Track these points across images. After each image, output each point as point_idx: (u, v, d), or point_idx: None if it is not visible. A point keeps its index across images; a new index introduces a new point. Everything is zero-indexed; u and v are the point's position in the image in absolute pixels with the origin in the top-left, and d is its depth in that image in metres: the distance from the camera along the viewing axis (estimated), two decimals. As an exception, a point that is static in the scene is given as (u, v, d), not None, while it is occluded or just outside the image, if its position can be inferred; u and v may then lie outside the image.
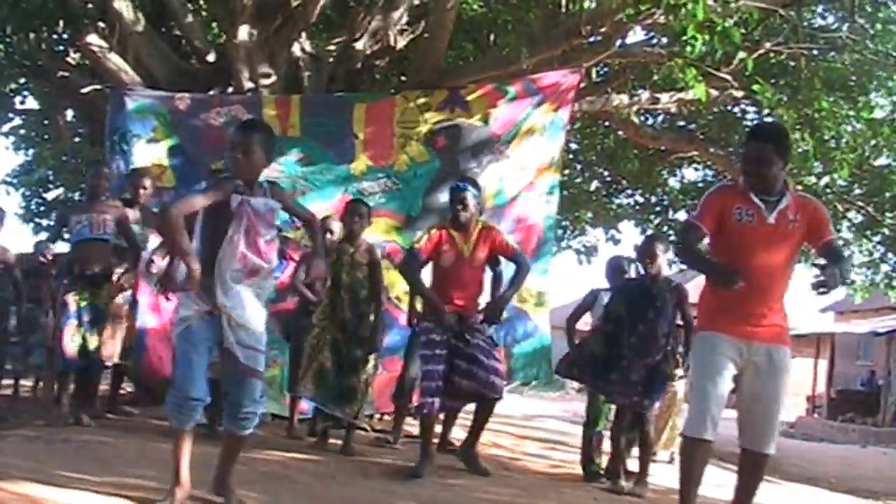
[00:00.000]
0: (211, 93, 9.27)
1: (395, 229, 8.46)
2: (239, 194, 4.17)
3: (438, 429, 6.60)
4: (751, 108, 12.87)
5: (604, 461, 6.53)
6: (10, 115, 14.17)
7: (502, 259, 6.22)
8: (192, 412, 4.20)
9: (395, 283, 7.78)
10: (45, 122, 14.36)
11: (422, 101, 8.70)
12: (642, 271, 6.19)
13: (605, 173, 15.72)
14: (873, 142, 10.70)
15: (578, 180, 15.70)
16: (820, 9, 12.19)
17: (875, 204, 12.30)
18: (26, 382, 9.70)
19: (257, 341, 4.25)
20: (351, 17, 10.22)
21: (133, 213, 7.00)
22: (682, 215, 14.60)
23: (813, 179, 11.02)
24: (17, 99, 13.86)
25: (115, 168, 8.03)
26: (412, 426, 7.97)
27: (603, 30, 8.97)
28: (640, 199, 16.00)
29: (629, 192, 16.05)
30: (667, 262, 6.20)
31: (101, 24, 9.22)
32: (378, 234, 7.99)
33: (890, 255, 13.60)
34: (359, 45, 9.91)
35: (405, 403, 7.20)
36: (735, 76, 9.95)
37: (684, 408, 8.42)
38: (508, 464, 7.00)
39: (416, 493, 5.24)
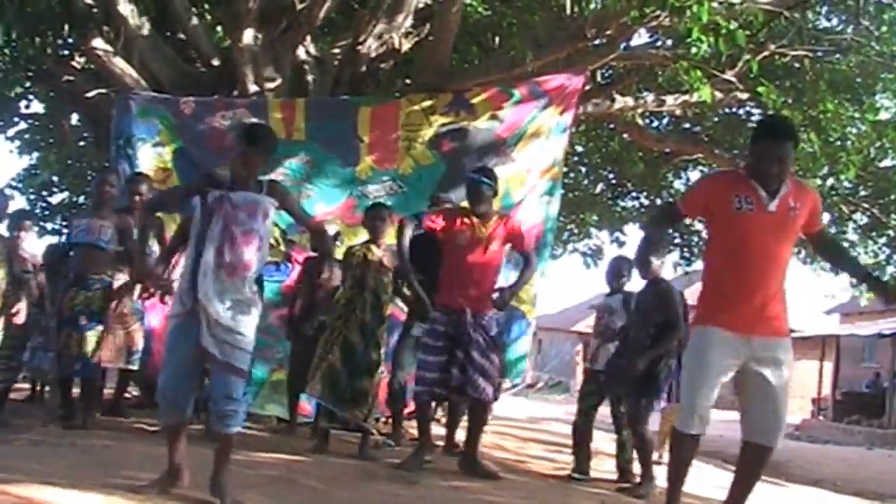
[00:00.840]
0: (216, 96, 9.27)
1: (399, 232, 8.45)
2: (218, 189, 4.20)
3: (440, 430, 6.60)
4: (756, 110, 12.84)
5: (603, 462, 6.54)
6: (15, 119, 14.19)
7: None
8: (171, 409, 4.26)
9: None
10: (50, 126, 14.37)
11: (427, 104, 8.68)
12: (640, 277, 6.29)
13: (611, 176, 15.72)
14: (878, 143, 10.69)
15: (584, 183, 15.70)
16: (825, 11, 12.19)
17: (880, 205, 12.30)
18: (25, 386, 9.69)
19: (237, 339, 4.23)
20: (356, 21, 10.22)
21: (133, 221, 6.98)
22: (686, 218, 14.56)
23: (819, 181, 11.00)
24: (22, 103, 13.86)
25: (121, 172, 8.04)
26: (414, 429, 7.98)
27: (608, 32, 8.98)
28: (646, 202, 16.00)
29: (634, 194, 16.05)
30: (660, 267, 6.21)
31: (106, 29, 9.23)
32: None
33: (895, 256, 13.58)
34: (364, 49, 9.91)
35: (400, 407, 7.27)
36: (740, 78, 9.95)
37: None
38: (513, 466, 6.98)
39: (422, 496, 5.22)
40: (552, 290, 48.77)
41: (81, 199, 14.39)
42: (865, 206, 12.46)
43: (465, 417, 7.18)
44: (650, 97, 11.46)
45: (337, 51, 10.59)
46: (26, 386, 9.21)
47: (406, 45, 10.32)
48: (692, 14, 7.40)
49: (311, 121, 8.53)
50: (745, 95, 10.85)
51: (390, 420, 7.60)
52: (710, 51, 7.94)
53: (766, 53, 10.08)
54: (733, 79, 9.87)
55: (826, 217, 12.01)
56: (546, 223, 8.79)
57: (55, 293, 7.10)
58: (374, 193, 8.39)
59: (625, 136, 13.42)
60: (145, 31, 9.42)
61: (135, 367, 7.13)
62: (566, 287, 65.46)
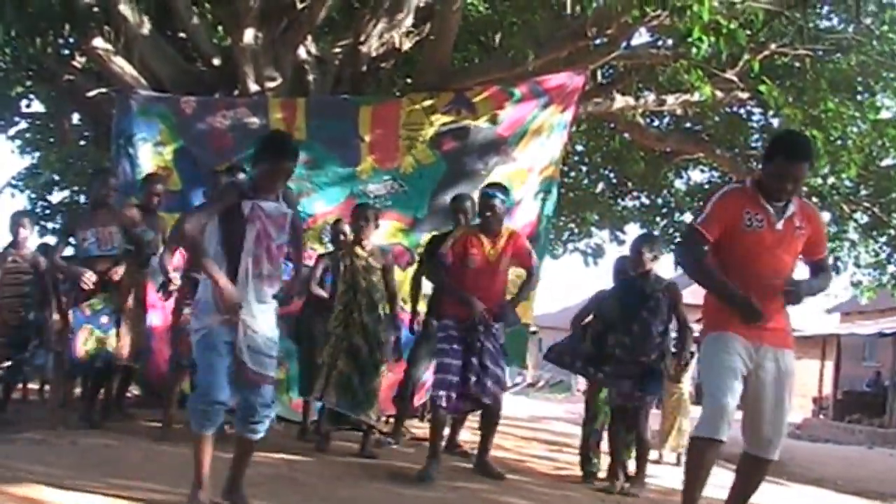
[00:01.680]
0: (216, 96, 9.28)
1: (400, 231, 8.46)
2: (248, 199, 4.18)
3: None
4: (756, 110, 12.85)
5: (604, 461, 6.54)
6: (16, 118, 14.20)
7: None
8: (216, 416, 4.22)
9: (401, 285, 7.77)
10: (51, 125, 14.37)
11: (427, 103, 8.68)
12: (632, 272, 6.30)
13: (611, 175, 15.69)
14: (879, 142, 10.68)
15: (584, 182, 15.68)
16: (825, 10, 12.17)
17: (881, 205, 12.28)
18: (32, 385, 9.69)
19: (268, 346, 4.28)
20: (356, 20, 10.21)
21: (139, 214, 6.96)
22: (687, 217, 14.56)
23: (819, 180, 11.00)
24: (23, 102, 13.87)
25: (122, 171, 8.05)
26: (417, 428, 7.99)
27: (608, 32, 8.97)
28: (646, 201, 15.98)
29: (635, 193, 16.02)
30: (653, 260, 6.21)
31: (107, 28, 9.21)
32: (384, 235, 7.99)
33: (896, 255, 13.57)
34: (364, 48, 9.91)
35: (406, 406, 7.28)
36: (741, 77, 9.94)
37: (691, 409, 8.45)
38: (514, 466, 6.98)
39: (423, 496, 5.24)
40: (552, 290, 48.85)
41: (82, 198, 14.36)
42: (866, 205, 12.44)
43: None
44: (651, 96, 11.45)
45: (338, 50, 10.57)
46: (34, 386, 9.25)
47: (407, 45, 10.31)
48: (693, 13, 7.39)
49: (312, 120, 8.53)
50: (745, 95, 10.84)
51: (391, 418, 7.60)
52: (711, 50, 7.93)
53: (766, 53, 10.07)
54: (734, 78, 9.87)
55: (826, 216, 12.01)
56: (541, 222, 8.79)
57: (58, 294, 7.11)
58: (374, 193, 8.39)
59: (625, 135, 13.40)
60: (146, 31, 9.40)
61: (138, 366, 7.14)
62: (566, 286, 65.45)
